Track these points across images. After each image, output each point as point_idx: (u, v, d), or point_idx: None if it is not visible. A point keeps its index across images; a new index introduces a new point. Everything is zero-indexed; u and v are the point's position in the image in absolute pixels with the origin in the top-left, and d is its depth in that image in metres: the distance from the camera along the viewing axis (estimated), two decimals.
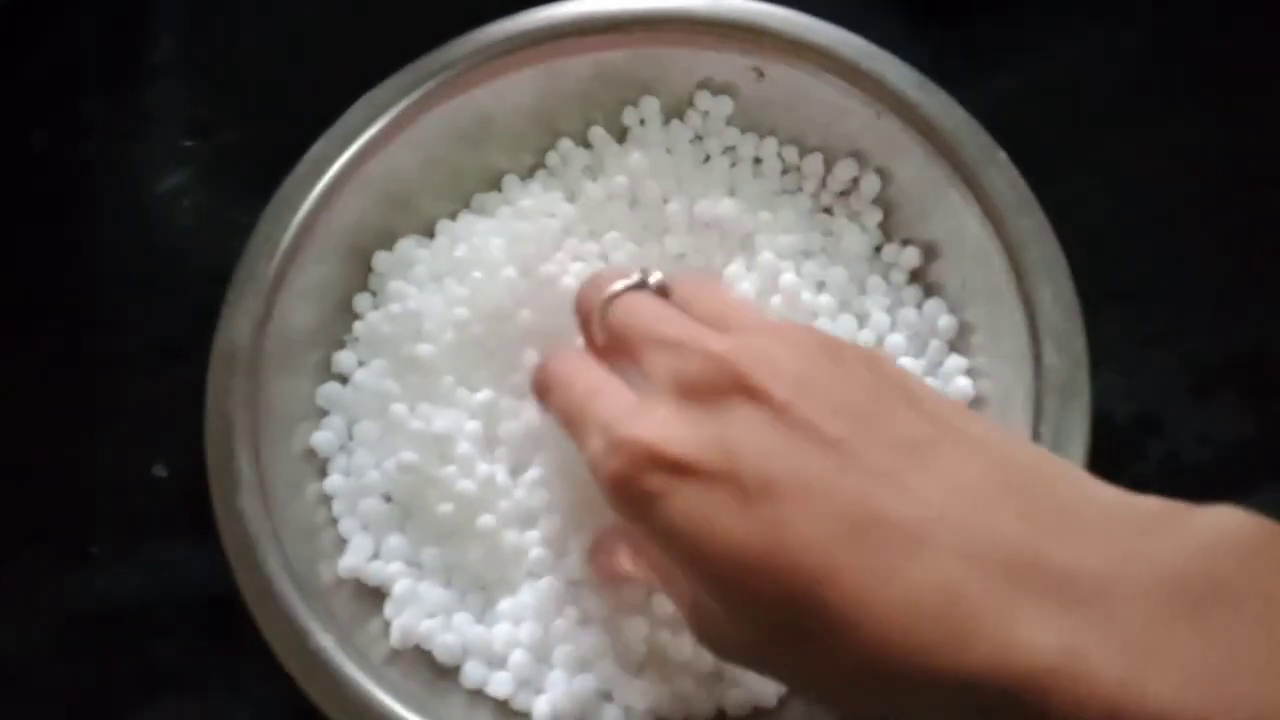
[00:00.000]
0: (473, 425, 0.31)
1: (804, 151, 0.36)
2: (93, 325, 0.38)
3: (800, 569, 0.19)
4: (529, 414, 0.32)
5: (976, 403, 0.32)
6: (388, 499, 0.32)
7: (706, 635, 0.23)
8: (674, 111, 0.36)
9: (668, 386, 0.23)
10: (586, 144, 0.36)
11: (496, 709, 0.29)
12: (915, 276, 0.34)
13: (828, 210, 0.36)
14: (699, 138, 0.36)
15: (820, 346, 0.22)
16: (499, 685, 0.29)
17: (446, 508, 0.30)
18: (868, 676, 0.19)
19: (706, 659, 0.29)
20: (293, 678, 0.28)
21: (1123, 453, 0.34)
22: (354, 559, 0.31)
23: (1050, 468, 0.20)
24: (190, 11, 0.43)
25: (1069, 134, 0.38)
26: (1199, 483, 0.33)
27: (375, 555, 0.31)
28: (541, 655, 0.30)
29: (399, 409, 0.31)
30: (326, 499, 0.32)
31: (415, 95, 0.34)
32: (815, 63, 0.33)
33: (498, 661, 0.30)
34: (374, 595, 0.31)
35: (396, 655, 0.30)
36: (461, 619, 0.30)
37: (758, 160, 0.36)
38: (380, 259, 0.34)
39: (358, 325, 0.34)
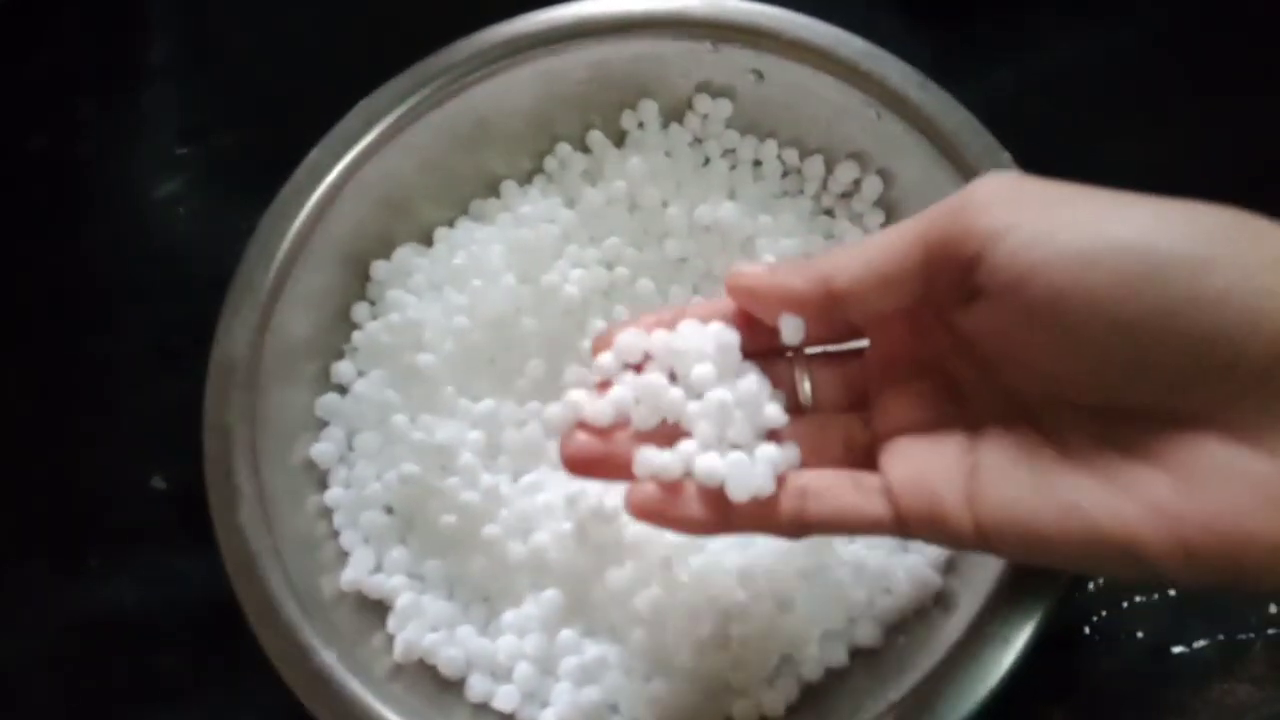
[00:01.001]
0: (475, 435, 0.31)
1: (805, 153, 0.35)
2: (90, 330, 0.38)
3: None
4: (532, 423, 0.31)
5: None
6: (389, 511, 0.31)
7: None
8: (673, 114, 0.36)
9: None
10: (585, 148, 0.36)
11: None
12: None
13: (829, 212, 0.35)
14: (698, 141, 0.36)
15: None
16: (504, 699, 0.29)
17: (449, 519, 0.30)
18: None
19: (713, 668, 0.29)
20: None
21: None
22: (356, 572, 0.30)
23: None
24: (187, 16, 0.43)
25: (1069, 132, 0.38)
26: None
27: (377, 568, 0.31)
28: (547, 667, 0.29)
29: (400, 420, 0.31)
30: (327, 511, 0.32)
31: (412, 100, 0.33)
32: (815, 63, 0.33)
33: (503, 674, 0.29)
34: (376, 609, 0.30)
35: (400, 670, 0.29)
36: (465, 632, 0.30)
37: (758, 163, 0.36)
38: (379, 267, 0.34)
39: (356, 335, 0.33)
